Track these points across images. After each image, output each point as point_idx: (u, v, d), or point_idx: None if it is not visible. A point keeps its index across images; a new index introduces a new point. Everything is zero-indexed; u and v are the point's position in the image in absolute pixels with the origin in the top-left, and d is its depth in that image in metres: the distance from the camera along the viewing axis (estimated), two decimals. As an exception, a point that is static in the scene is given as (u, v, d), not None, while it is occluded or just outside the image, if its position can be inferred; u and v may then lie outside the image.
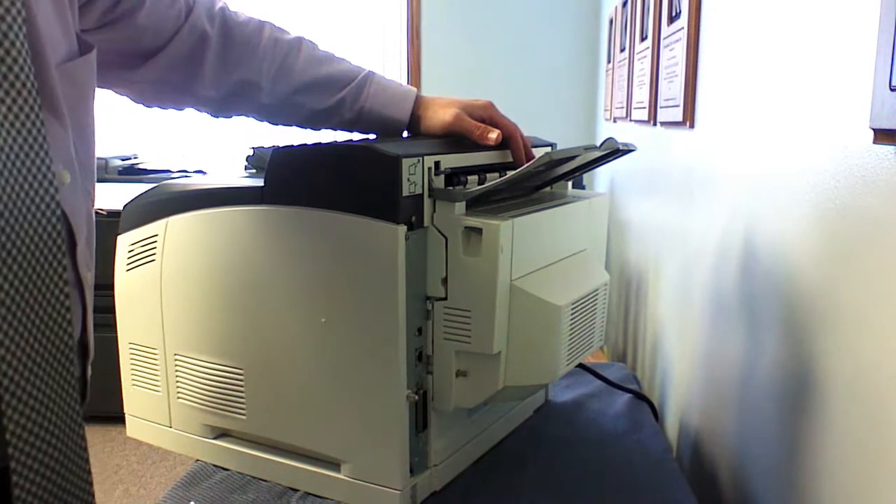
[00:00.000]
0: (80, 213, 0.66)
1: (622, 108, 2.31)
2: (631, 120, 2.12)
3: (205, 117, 0.99)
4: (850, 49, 0.73)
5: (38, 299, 0.56)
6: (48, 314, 0.57)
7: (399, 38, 3.49)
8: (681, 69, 1.43)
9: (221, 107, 0.94)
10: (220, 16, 0.90)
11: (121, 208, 1.04)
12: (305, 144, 0.88)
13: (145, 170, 3.16)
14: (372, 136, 1.00)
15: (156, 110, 0.96)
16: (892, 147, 0.63)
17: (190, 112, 0.96)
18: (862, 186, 0.70)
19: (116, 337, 1.06)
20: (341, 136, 1.01)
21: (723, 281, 1.16)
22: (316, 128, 0.99)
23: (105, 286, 1.11)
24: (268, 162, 0.89)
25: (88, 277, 0.68)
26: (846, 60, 0.74)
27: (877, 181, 0.67)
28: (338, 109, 0.95)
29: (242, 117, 0.98)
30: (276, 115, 0.97)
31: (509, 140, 0.95)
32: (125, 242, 1.02)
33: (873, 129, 0.64)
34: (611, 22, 2.78)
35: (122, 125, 3.56)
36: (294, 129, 1.01)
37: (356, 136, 1.00)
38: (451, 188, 0.87)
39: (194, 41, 0.88)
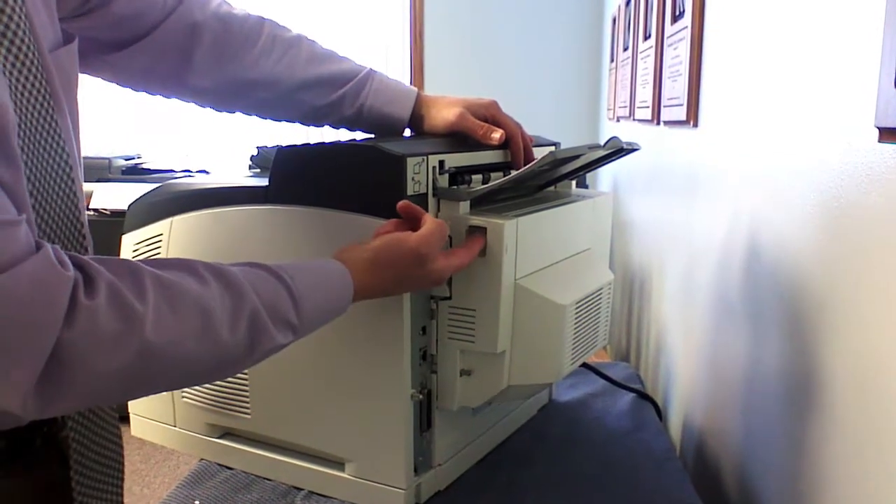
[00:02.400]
0: (81, 198, 0.68)
1: (625, 107, 2.31)
2: (634, 119, 2.12)
3: (209, 117, 0.99)
4: (855, 47, 0.73)
5: None
6: None
7: (402, 38, 3.50)
8: (684, 68, 1.42)
9: (220, 101, 0.94)
10: (215, 10, 0.89)
11: (125, 208, 1.04)
12: (309, 144, 0.88)
13: (149, 170, 3.16)
14: (372, 136, 1.00)
15: (159, 109, 0.96)
16: (898, 146, 0.63)
17: (193, 112, 0.96)
18: (867, 185, 0.70)
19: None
20: (345, 135, 1.01)
21: (727, 280, 1.16)
22: (317, 124, 0.99)
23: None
24: (272, 161, 0.89)
25: None
26: (851, 59, 0.74)
27: (882, 180, 0.67)
28: (338, 106, 0.95)
29: (245, 115, 0.98)
30: (277, 111, 0.97)
31: (509, 141, 0.95)
32: (130, 242, 1.03)
33: (878, 128, 0.64)
34: (614, 21, 2.77)
35: (126, 126, 3.56)
36: (297, 127, 1.01)
37: (359, 135, 1.00)
38: (455, 187, 0.87)
39: (183, 32, 0.87)
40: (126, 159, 3.20)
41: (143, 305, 0.56)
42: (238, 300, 0.62)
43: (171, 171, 3.13)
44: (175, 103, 0.97)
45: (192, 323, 0.59)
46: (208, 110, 0.97)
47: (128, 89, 0.92)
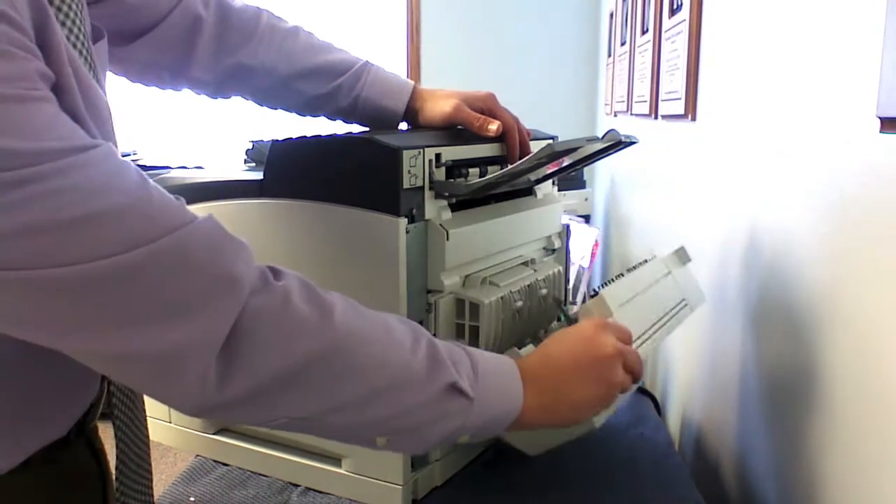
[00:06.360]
0: None
1: (623, 101, 2.30)
2: (632, 114, 2.11)
3: (204, 113, 0.99)
4: (855, 36, 0.72)
5: None
6: None
7: (399, 32, 3.48)
8: (682, 62, 1.42)
9: (218, 89, 0.94)
10: (215, 2, 0.89)
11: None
12: (304, 137, 0.87)
13: (144, 165, 3.14)
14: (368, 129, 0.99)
15: (154, 105, 0.96)
16: (900, 136, 0.63)
17: (189, 107, 0.96)
18: (868, 177, 0.69)
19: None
20: (340, 128, 1.00)
21: (725, 275, 1.16)
22: (313, 114, 0.98)
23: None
24: (267, 155, 0.88)
25: None
26: (851, 48, 0.73)
27: (884, 171, 0.66)
28: (334, 96, 0.94)
29: (242, 99, 0.97)
30: (273, 99, 0.96)
31: (506, 133, 0.95)
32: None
33: (880, 118, 0.63)
34: (611, 15, 2.76)
35: (122, 121, 3.54)
36: (292, 119, 1.00)
37: (355, 128, 1.00)
38: (452, 180, 0.87)
39: (187, 24, 0.87)
40: (122, 155, 3.19)
41: (331, 298, 0.57)
42: (415, 329, 0.62)
43: (168, 167, 3.12)
44: (170, 99, 0.97)
45: (376, 328, 0.58)
46: (203, 104, 0.97)
47: (131, 84, 0.92)
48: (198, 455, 1.03)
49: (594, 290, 0.80)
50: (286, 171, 0.87)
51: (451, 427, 0.62)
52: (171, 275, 0.49)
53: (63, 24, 0.54)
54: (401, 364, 0.59)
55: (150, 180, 0.52)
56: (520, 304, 0.91)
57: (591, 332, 0.70)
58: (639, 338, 0.81)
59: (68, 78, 0.51)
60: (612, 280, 0.85)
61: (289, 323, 0.54)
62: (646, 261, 0.96)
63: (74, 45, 0.55)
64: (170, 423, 1.04)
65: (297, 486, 0.94)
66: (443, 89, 0.98)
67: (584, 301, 2.05)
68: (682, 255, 1.02)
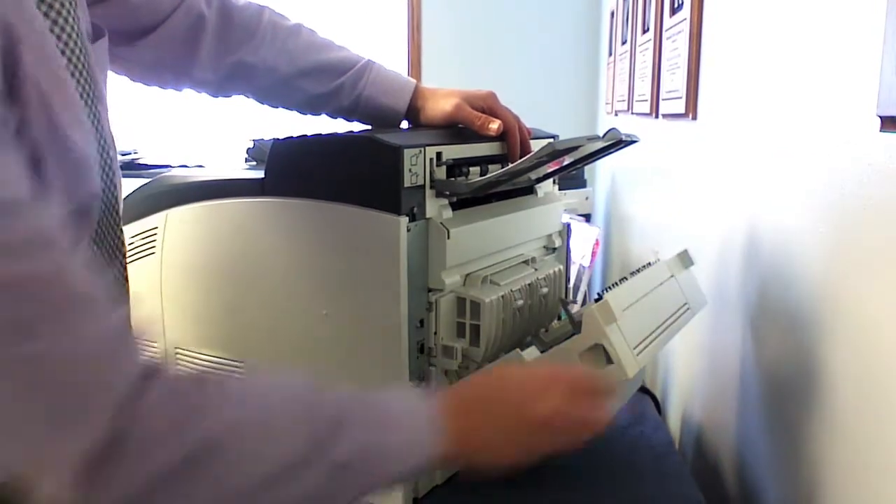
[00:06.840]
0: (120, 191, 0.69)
1: (624, 100, 2.30)
2: (632, 113, 2.11)
3: (204, 112, 0.99)
4: (856, 35, 0.72)
5: None
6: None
7: (399, 31, 3.48)
8: (683, 61, 1.42)
9: (220, 88, 0.94)
10: (217, 0, 0.89)
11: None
12: (305, 135, 0.87)
13: (145, 164, 3.15)
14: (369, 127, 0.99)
15: (154, 104, 0.96)
16: (900, 135, 0.63)
17: (190, 106, 0.96)
18: (869, 176, 0.69)
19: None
20: (342, 127, 1.00)
21: (725, 274, 1.16)
22: (315, 113, 0.98)
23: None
24: (268, 154, 0.88)
25: None
26: (851, 47, 0.73)
27: (884, 170, 0.66)
28: (336, 95, 0.95)
29: (243, 99, 0.98)
30: (275, 97, 0.97)
31: (507, 132, 0.95)
32: (125, 235, 1.02)
33: (880, 117, 0.63)
34: (612, 14, 2.76)
35: (122, 120, 3.54)
36: (293, 118, 1.01)
37: (356, 126, 1.00)
38: (453, 179, 0.87)
39: (190, 23, 0.87)
40: (122, 154, 3.19)
41: (207, 392, 0.53)
42: (311, 402, 0.57)
43: (168, 166, 3.12)
44: (171, 98, 0.97)
45: (261, 415, 0.53)
46: (204, 103, 0.97)
47: (131, 83, 0.92)
48: (199, 453, 1.03)
49: (598, 295, 0.80)
50: (287, 170, 0.87)
51: (351, 496, 0.57)
52: (36, 381, 0.45)
53: (55, 22, 0.53)
54: (284, 454, 0.54)
55: (65, 252, 0.46)
56: (520, 302, 0.91)
57: (534, 385, 0.65)
58: (641, 342, 0.82)
59: (34, 110, 0.48)
60: (616, 284, 0.86)
61: (158, 429, 0.49)
62: (649, 264, 0.96)
63: (66, 45, 0.54)
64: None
65: (297, 484, 0.94)
66: (444, 88, 0.98)
67: (584, 300, 2.05)
68: (685, 259, 1.02)
